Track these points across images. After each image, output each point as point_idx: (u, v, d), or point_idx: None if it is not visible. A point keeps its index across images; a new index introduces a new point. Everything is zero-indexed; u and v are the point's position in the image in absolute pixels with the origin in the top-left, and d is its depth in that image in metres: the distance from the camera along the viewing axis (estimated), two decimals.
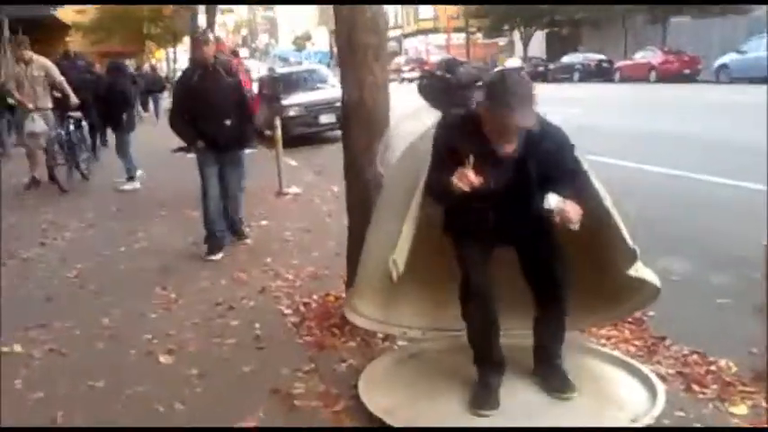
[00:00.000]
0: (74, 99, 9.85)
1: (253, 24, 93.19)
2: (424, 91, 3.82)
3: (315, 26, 79.92)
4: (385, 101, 4.21)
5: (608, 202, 3.12)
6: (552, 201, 2.93)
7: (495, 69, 3.50)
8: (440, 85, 3.71)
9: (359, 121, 4.16)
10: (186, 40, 26.59)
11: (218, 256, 6.11)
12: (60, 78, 9.78)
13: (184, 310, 4.86)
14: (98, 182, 10.54)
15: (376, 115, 4.15)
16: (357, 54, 4.09)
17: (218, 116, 5.96)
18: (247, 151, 9.33)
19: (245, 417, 3.27)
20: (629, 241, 3.06)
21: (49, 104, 9.77)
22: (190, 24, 17.87)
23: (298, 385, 3.59)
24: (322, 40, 75.69)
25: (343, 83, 4.26)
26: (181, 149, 12.97)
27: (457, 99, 3.56)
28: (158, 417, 3.36)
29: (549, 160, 3.05)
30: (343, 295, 4.69)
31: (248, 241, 6.51)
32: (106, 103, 10.12)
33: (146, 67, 27.09)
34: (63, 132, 9.93)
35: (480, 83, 3.54)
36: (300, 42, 74.15)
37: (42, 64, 9.67)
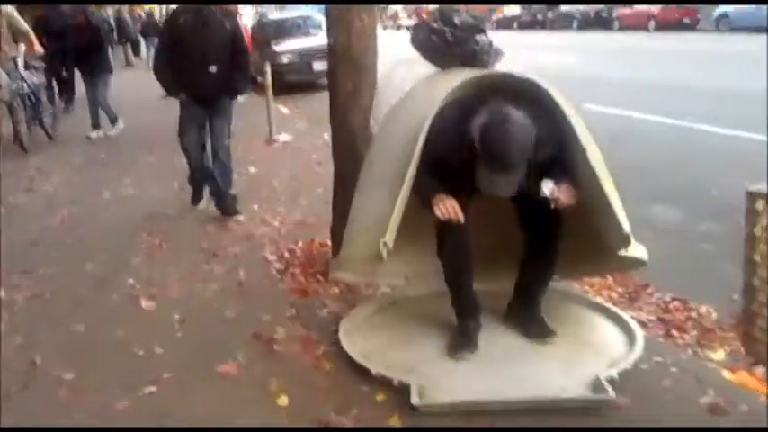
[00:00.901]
0: (37, 47, 9.48)
1: None
2: (417, 43, 3.61)
3: None
4: (372, 46, 4.12)
5: (603, 176, 2.98)
6: (547, 189, 2.95)
7: (484, 120, 2.83)
8: (434, 39, 3.48)
9: (345, 67, 4.08)
10: None
11: (202, 205, 5.97)
12: (24, 26, 9.19)
13: (168, 256, 4.85)
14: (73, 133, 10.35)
15: (363, 61, 4.07)
16: None
17: (205, 63, 5.41)
18: (241, 99, 9.25)
19: (226, 360, 3.27)
20: (625, 226, 2.98)
21: (15, 54, 9.19)
22: None
23: (279, 330, 3.59)
24: None
25: (330, 27, 4.17)
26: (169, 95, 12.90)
27: (452, 53, 3.44)
28: (137, 360, 3.36)
29: (542, 164, 2.97)
30: (329, 242, 4.69)
31: (240, 218, 5.65)
32: (77, 47, 9.76)
33: (141, 12, 26.78)
34: (25, 85, 9.27)
35: (478, 34, 3.40)
36: None
37: (5, 12, 9.07)
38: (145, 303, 4.04)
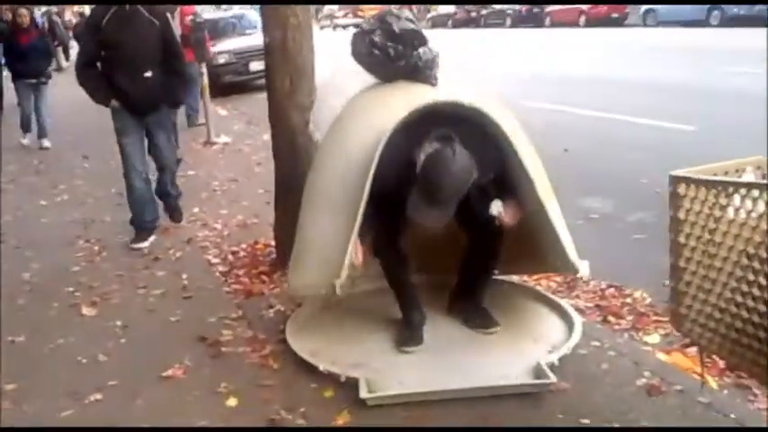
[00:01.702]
0: None
1: None
2: (358, 57, 3.38)
3: None
4: (309, 44, 4.15)
5: (549, 205, 3.07)
6: (494, 209, 3.07)
7: (428, 151, 2.88)
8: (375, 53, 3.27)
9: (282, 64, 4.11)
10: None
11: (147, 242, 5.10)
12: None
13: (108, 263, 4.79)
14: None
15: (299, 59, 4.10)
16: None
17: (138, 67, 4.77)
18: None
19: (171, 365, 3.26)
20: (571, 255, 3.09)
21: None
22: None
23: (225, 332, 3.59)
24: None
25: (265, 25, 4.18)
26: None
27: (395, 67, 3.26)
28: (81, 368, 3.33)
29: (485, 186, 3.08)
30: (272, 243, 4.70)
31: (184, 224, 5.48)
32: (21, 55, 9.16)
33: (68, 14, 26.23)
34: None
35: (421, 46, 3.23)
36: None
37: None
38: (86, 310, 3.99)
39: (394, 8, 3.36)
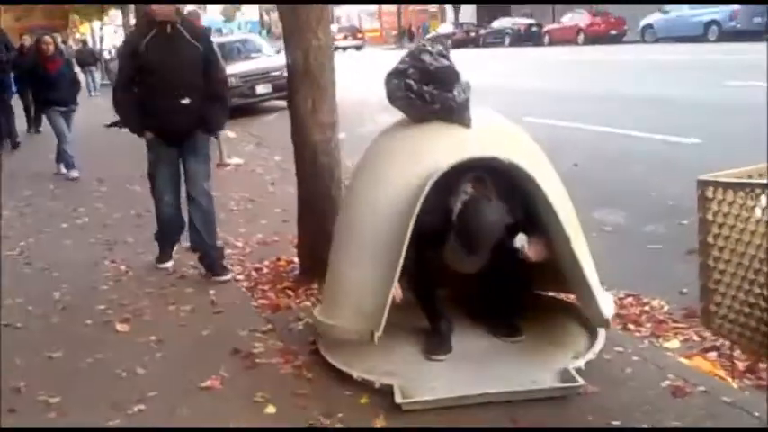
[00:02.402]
0: None
1: None
2: (395, 102, 3.34)
3: None
4: (330, 64, 4.30)
5: (584, 259, 3.17)
6: (519, 242, 3.22)
7: (464, 198, 3.09)
8: (411, 97, 3.23)
9: (304, 86, 4.25)
10: (114, 14, 25.90)
11: (171, 262, 5.13)
12: None
13: (136, 281, 4.90)
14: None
15: (321, 79, 4.24)
16: (301, 18, 4.16)
17: (175, 93, 4.55)
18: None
19: (208, 376, 3.36)
20: (605, 311, 3.20)
21: None
22: None
23: (257, 345, 3.69)
24: (251, 9, 74.37)
25: (287, 47, 4.32)
26: (114, 124, 12.73)
27: (432, 110, 3.23)
28: (120, 381, 3.42)
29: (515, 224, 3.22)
30: (295, 259, 4.82)
31: (227, 278, 4.79)
32: (50, 83, 8.87)
33: (70, 42, 26.69)
34: None
35: (456, 84, 3.22)
36: (230, 12, 72.65)
37: None
38: (120, 327, 4.09)
39: (427, 43, 3.35)
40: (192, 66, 4.58)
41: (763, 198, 1.90)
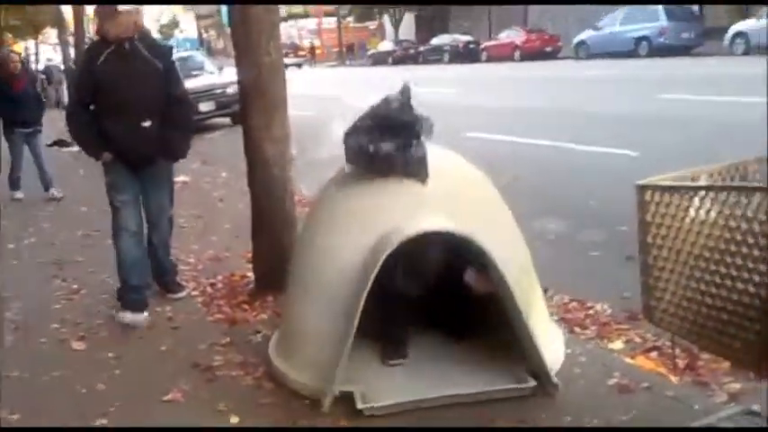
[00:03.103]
0: None
1: None
2: (354, 162, 3.35)
3: (181, 12, 77.71)
4: (282, 80, 4.40)
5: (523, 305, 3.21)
6: (468, 277, 3.36)
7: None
8: (365, 154, 3.24)
9: (257, 102, 4.34)
10: (50, 32, 25.44)
11: (143, 315, 4.39)
12: None
13: (89, 299, 4.88)
14: None
15: (274, 95, 4.34)
16: (252, 35, 4.25)
17: (135, 115, 4.19)
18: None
19: (170, 389, 3.40)
20: (547, 367, 3.18)
21: None
22: (52, 14, 17.13)
23: (216, 358, 3.74)
24: (190, 26, 73.77)
25: (239, 64, 4.40)
26: (56, 143, 12.55)
27: (392, 169, 3.24)
28: (81, 397, 3.44)
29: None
30: (248, 274, 4.88)
31: (182, 294, 4.74)
32: (16, 103, 8.41)
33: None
34: None
35: (416, 140, 3.25)
36: (167, 31, 71.95)
37: None
38: (76, 344, 4.09)
39: (389, 96, 3.33)
40: (151, 85, 4.22)
41: (696, 200, 2.08)
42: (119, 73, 4.13)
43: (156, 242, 4.63)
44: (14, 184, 8.89)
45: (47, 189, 8.78)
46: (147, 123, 4.22)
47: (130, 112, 4.19)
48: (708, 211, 2.07)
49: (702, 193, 2.08)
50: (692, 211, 2.11)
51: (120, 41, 4.12)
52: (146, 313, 4.40)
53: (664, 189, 2.19)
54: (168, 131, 4.31)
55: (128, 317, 4.36)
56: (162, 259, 4.72)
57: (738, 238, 1.99)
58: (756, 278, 1.95)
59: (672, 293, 2.23)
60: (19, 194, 8.86)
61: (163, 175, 4.51)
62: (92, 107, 4.30)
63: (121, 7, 4.06)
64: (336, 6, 49.07)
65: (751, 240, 1.95)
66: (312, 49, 49.18)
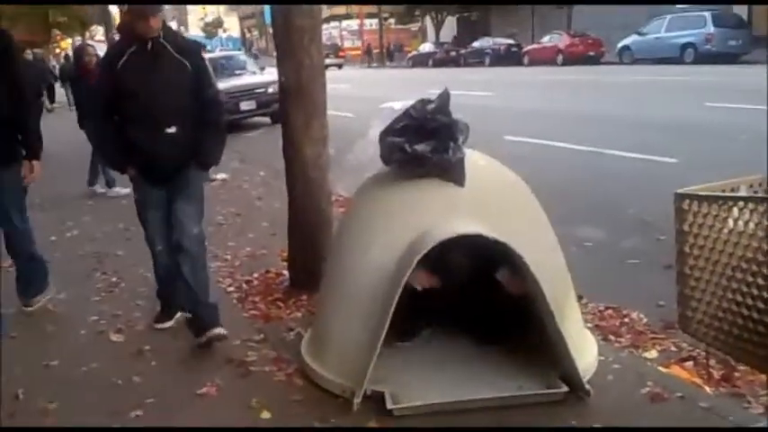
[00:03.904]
0: None
1: None
2: (391, 164, 3.37)
3: (225, 12, 78.71)
4: (322, 82, 4.44)
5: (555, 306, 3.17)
6: (500, 275, 3.33)
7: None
8: (403, 155, 3.25)
9: (297, 103, 4.38)
10: (96, 30, 25.94)
11: (168, 323, 4.29)
12: None
13: (128, 293, 4.97)
14: None
15: (313, 96, 4.38)
16: (293, 37, 4.29)
17: (158, 121, 3.80)
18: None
19: (204, 384, 3.46)
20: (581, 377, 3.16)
21: None
22: (99, 11, 17.44)
23: (250, 354, 3.79)
24: (233, 26, 74.69)
25: (280, 66, 4.45)
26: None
27: (424, 168, 3.26)
28: (117, 389, 3.51)
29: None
30: (284, 272, 4.92)
31: (222, 331, 3.91)
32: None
33: (51, 57, 26.64)
34: None
35: (450, 136, 3.24)
36: (211, 29, 72.91)
37: None
38: (114, 336, 4.18)
39: (426, 98, 3.33)
40: (178, 87, 3.83)
41: (735, 210, 2.06)
42: (141, 74, 3.76)
43: (186, 272, 3.90)
44: (96, 177, 8.82)
45: (110, 185, 8.65)
46: (171, 129, 3.81)
47: (153, 118, 3.79)
48: (746, 222, 2.04)
49: (741, 203, 2.05)
50: (730, 222, 2.09)
51: (143, 40, 3.76)
52: (174, 319, 4.28)
53: (702, 198, 2.16)
54: (199, 137, 3.90)
55: (158, 325, 4.29)
56: (197, 296, 3.93)
57: None
58: None
59: (707, 304, 2.21)
60: (100, 189, 8.77)
61: (192, 185, 3.97)
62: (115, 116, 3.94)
63: (158, 7, 3.75)
64: (378, 7, 49.15)
65: None
66: (368, 47, 49.22)
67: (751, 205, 2.03)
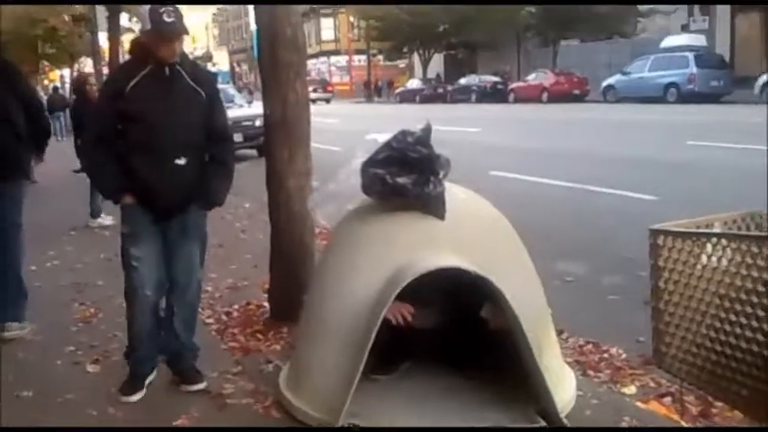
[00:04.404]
0: None
1: None
2: (372, 195, 3.37)
3: (214, 47, 79.29)
4: (306, 116, 4.48)
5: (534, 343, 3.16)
6: (484, 311, 3.34)
7: None
8: (383, 188, 3.27)
9: (282, 137, 4.42)
10: (85, 62, 25.95)
11: (137, 396, 3.67)
12: None
13: (105, 324, 4.91)
14: None
15: (297, 130, 4.41)
16: (280, 72, 4.34)
17: (168, 151, 3.50)
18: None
19: (180, 415, 3.42)
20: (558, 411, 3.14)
21: None
22: (90, 43, 17.53)
23: (227, 386, 3.75)
24: (223, 60, 75.14)
25: (266, 100, 4.49)
26: (82, 170, 12.75)
27: (409, 202, 3.27)
28: (91, 420, 3.46)
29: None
30: (265, 304, 4.90)
31: (201, 386, 3.74)
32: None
33: (40, 88, 26.87)
34: None
35: (433, 176, 3.25)
36: (201, 63, 73.16)
37: None
38: (90, 368, 4.13)
39: (407, 130, 3.34)
40: (191, 116, 3.56)
41: (708, 246, 2.08)
42: (154, 100, 3.48)
43: (178, 312, 3.73)
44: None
45: (94, 215, 8.56)
46: (181, 161, 3.51)
47: (164, 147, 3.49)
48: (720, 259, 2.06)
49: (714, 239, 2.08)
50: (704, 258, 2.11)
51: (161, 64, 3.49)
52: (141, 393, 3.70)
53: (676, 235, 2.19)
54: (207, 173, 3.64)
55: (123, 399, 3.65)
56: (182, 338, 3.76)
57: (749, 286, 1.98)
58: (766, 327, 1.93)
59: (682, 339, 2.22)
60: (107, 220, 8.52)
61: (195, 225, 3.68)
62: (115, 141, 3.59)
63: (185, 29, 3.50)
64: (367, 44, 49.60)
65: (761, 289, 1.94)
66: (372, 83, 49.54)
67: (724, 241, 2.05)
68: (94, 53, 21.87)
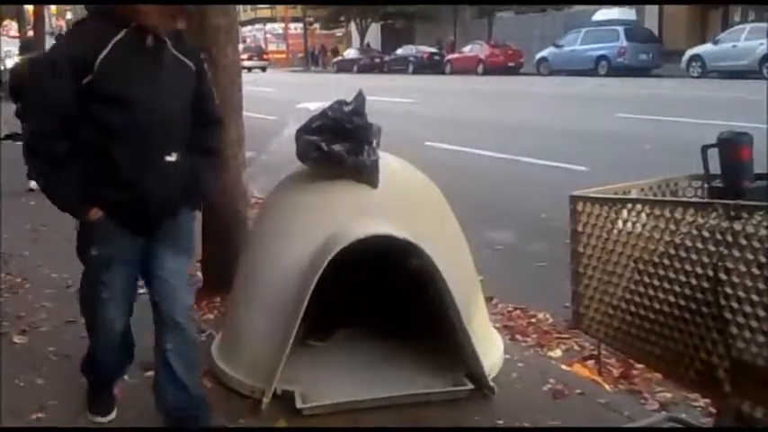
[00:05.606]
0: None
1: (77, 9, 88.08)
2: (307, 162, 3.37)
3: None
4: (238, 82, 4.42)
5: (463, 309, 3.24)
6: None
7: None
8: (319, 153, 3.26)
9: None
10: (10, 24, 24.94)
11: (111, 416, 3.17)
12: None
13: (32, 294, 4.82)
14: None
15: (229, 97, 4.34)
16: (209, 35, 4.26)
17: (158, 143, 2.62)
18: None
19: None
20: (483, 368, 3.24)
21: None
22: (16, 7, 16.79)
23: None
24: None
25: None
26: (9, 137, 12.26)
27: (340, 168, 3.28)
28: (19, 390, 3.42)
29: None
30: (198, 273, 4.86)
31: None
32: None
33: None
34: None
35: (367, 138, 3.27)
36: None
37: None
38: (17, 338, 4.05)
39: (343, 100, 3.35)
40: (182, 98, 2.70)
41: (624, 211, 2.17)
42: (137, 77, 2.57)
43: (173, 348, 2.89)
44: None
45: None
46: (172, 157, 2.65)
47: (150, 140, 2.60)
48: (635, 224, 2.16)
49: (630, 205, 2.17)
50: (620, 223, 2.20)
51: (141, 31, 2.54)
52: (113, 415, 3.19)
53: (594, 200, 2.27)
54: (198, 167, 2.80)
55: (95, 419, 3.16)
56: (190, 387, 2.90)
57: (662, 249, 2.08)
58: (677, 288, 2.04)
59: (599, 302, 2.32)
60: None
61: (184, 233, 2.87)
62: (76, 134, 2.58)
63: None
64: (303, 11, 48.99)
65: (673, 252, 2.04)
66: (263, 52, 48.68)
67: (639, 207, 2.15)
68: (19, 16, 21.05)
